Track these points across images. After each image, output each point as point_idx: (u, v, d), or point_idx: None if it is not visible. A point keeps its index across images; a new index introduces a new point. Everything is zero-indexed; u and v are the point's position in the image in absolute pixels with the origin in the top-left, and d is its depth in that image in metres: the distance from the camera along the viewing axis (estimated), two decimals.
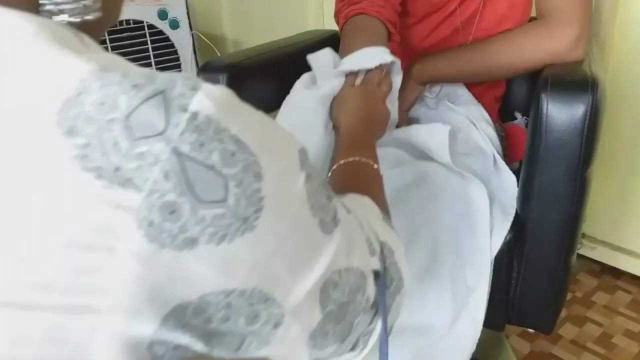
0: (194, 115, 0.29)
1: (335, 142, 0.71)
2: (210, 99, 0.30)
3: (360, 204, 0.49)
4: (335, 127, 0.74)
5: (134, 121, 0.28)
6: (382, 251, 0.44)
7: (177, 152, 0.28)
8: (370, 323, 0.42)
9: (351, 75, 0.77)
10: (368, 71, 0.77)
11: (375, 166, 0.60)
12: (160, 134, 0.28)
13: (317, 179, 0.36)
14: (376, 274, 0.42)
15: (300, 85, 0.81)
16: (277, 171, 0.32)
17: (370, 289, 0.41)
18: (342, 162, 0.60)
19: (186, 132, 0.28)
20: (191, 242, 0.29)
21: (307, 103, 0.77)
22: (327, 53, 0.81)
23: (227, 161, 0.29)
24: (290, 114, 0.79)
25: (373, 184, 0.58)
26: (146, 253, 0.28)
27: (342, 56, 0.82)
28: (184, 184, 0.28)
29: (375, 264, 0.42)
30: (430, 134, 0.81)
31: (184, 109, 0.29)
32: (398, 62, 0.78)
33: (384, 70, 0.78)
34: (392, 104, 0.80)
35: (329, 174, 0.60)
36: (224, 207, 0.29)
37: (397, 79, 0.81)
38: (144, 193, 0.28)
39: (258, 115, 0.33)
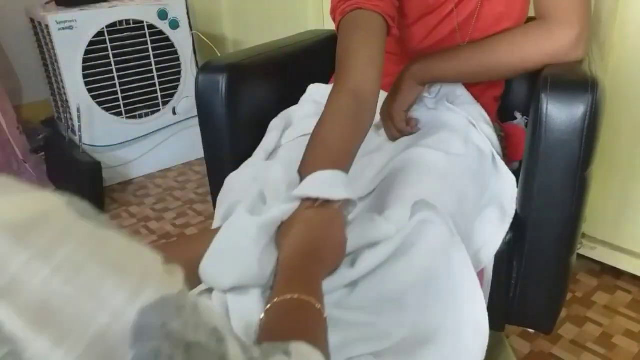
0: None
1: (275, 274, 0.61)
2: None
3: None
4: (279, 256, 0.63)
5: None
6: None
7: None
8: None
9: (308, 199, 0.66)
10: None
11: (318, 306, 0.51)
12: None
13: (188, 354, 0.23)
14: None
15: (243, 209, 0.67)
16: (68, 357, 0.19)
17: None
18: (277, 299, 0.51)
19: None
20: None
21: (248, 231, 0.63)
22: (279, 171, 0.73)
23: None
24: (226, 242, 0.64)
25: (314, 330, 0.49)
26: None
27: (336, 62, 0.80)
28: None
29: None
30: (373, 230, 0.72)
31: None
32: (356, 203, 0.71)
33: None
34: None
35: (262, 315, 0.51)
36: None
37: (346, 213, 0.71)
38: None
39: (77, 255, 0.21)
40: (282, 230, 0.64)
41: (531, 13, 0.88)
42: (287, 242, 0.62)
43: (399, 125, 0.91)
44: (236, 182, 0.87)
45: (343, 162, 0.72)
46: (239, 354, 0.27)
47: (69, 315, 0.19)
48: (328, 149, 0.72)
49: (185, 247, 0.68)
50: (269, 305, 0.51)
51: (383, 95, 0.97)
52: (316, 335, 0.48)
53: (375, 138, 0.99)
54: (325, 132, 0.74)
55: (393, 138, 0.93)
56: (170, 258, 0.55)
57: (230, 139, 1.03)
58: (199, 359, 0.23)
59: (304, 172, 0.71)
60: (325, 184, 0.67)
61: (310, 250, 0.60)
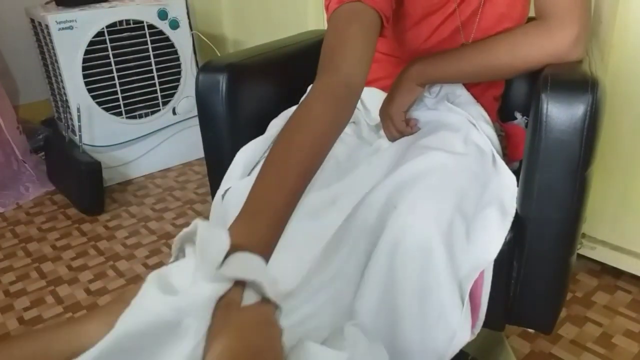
0: None
1: None
2: None
3: None
4: None
5: None
6: None
7: None
8: None
9: (238, 285, 0.47)
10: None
11: None
12: None
13: None
14: None
15: (153, 281, 0.45)
16: None
17: None
18: None
19: None
20: None
21: (159, 313, 0.43)
22: (220, 235, 0.47)
23: None
24: (131, 324, 0.43)
25: None
26: None
27: (325, 49, 0.74)
28: None
29: None
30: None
31: None
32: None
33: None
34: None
35: None
36: None
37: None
38: None
39: None
40: (212, 328, 0.46)
41: (531, 13, 0.89)
42: (214, 348, 0.45)
43: (399, 126, 0.91)
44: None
45: (321, 152, 0.65)
46: None
47: None
48: (309, 129, 0.65)
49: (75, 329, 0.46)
50: None
51: (383, 95, 0.97)
52: None
53: (375, 139, 0.99)
54: (309, 112, 0.66)
55: (392, 138, 0.93)
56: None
57: (230, 139, 1.03)
58: None
59: (269, 165, 0.62)
60: (260, 268, 0.50)
61: None
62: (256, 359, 0.46)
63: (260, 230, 0.55)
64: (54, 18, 1.82)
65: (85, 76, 1.92)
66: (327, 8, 0.84)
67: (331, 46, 0.75)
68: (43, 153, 2.24)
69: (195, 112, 1.03)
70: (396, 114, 0.91)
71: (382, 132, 0.97)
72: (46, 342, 0.47)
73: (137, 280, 1.52)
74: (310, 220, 0.81)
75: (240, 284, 0.48)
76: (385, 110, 0.93)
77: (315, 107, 0.67)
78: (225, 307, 0.47)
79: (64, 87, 1.93)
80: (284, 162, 0.61)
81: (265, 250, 0.55)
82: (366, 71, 0.74)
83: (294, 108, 1.03)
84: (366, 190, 0.82)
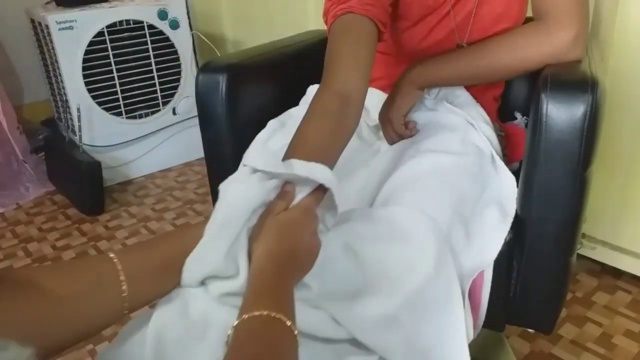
0: None
1: (247, 285, 0.57)
2: None
3: None
4: (250, 265, 0.60)
5: None
6: None
7: None
8: None
9: (280, 199, 0.64)
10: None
11: (289, 323, 0.48)
12: None
13: None
14: None
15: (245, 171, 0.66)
16: None
17: None
18: (245, 316, 0.48)
19: None
20: None
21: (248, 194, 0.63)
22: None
23: None
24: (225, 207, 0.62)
25: (283, 351, 0.47)
26: None
27: (324, 64, 0.79)
28: None
29: None
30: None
31: None
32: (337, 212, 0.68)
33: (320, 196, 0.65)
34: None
35: (229, 332, 0.49)
36: None
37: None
38: None
39: None
40: (254, 232, 0.62)
41: (529, 13, 0.88)
42: (257, 251, 0.59)
43: (398, 130, 0.91)
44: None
45: (322, 160, 0.70)
46: None
47: None
48: (308, 147, 0.71)
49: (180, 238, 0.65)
50: (236, 322, 0.48)
51: (381, 95, 0.97)
52: (285, 356, 0.46)
53: (375, 140, 0.99)
54: (306, 130, 0.74)
55: (392, 141, 0.93)
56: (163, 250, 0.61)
57: (230, 139, 1.03)
58: None
59: None
60: (314, 168, 0.64)
61: (282, 260, 0.56)
62: (292, 256, 0.57)
63: None
64: (54, 18, 1.82)
65: (85, 76, 1.92)
66: (326, 23, 0.86)
67: (327, 61, 0.80)
68: (43, 153, 2.24)
69: (195, 112, 1.03)
70: (396, 117, 0.91)
71: (381, 133, 0.97)
72: (165, 246, 0.62)
73: None
74: None
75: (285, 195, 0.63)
76: (385, 115, 0.93)
77: (312, 122, 0.75)
78: (266, 213, 0.62)
79: (64, 87, 1.93)
80: None
81: None
82: (363, 80, 0.78)
83: (293, 110, 1.03)
84: (365, 194, 0.82)
